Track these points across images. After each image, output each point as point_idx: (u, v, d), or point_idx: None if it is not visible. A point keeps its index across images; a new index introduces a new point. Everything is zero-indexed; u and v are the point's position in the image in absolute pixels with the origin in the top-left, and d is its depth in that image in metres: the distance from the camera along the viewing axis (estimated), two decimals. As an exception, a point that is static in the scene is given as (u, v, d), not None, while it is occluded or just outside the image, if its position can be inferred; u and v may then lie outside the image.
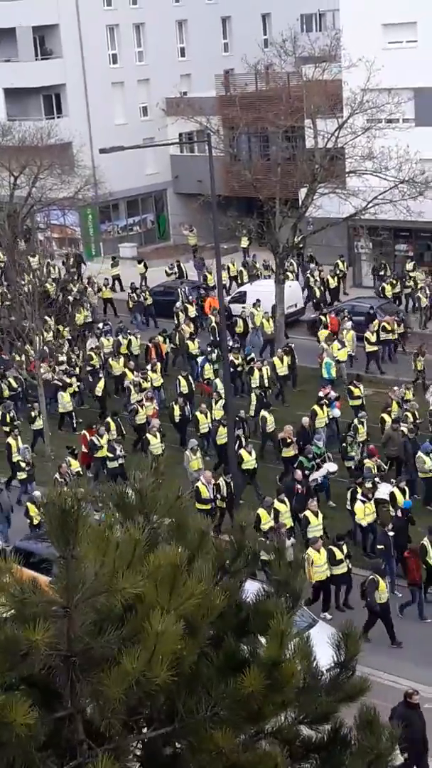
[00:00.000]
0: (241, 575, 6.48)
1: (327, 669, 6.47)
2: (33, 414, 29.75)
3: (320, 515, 22.58)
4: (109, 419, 28.91)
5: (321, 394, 28.95)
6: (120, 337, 36.14)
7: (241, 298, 39.49)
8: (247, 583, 6.56)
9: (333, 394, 29.14)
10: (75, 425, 31.50)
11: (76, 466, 26.04)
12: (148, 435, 28.15)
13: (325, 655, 6.54)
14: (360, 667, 6.55)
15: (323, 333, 34.34)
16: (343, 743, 6.22)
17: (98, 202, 49.59)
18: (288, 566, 6.57)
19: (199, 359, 33.55)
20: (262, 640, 5.93)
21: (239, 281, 42.86)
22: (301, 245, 39.77)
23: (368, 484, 22.90)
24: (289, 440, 26.46)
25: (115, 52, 53.60)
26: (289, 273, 39.33)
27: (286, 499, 23.04)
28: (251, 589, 6.53)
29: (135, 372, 32.70)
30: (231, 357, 32.62)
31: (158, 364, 33.17)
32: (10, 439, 27.79)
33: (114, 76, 53.02)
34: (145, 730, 5.98)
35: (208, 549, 6.17)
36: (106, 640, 5.34)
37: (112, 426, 28.52)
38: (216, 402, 28.98)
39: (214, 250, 26.93)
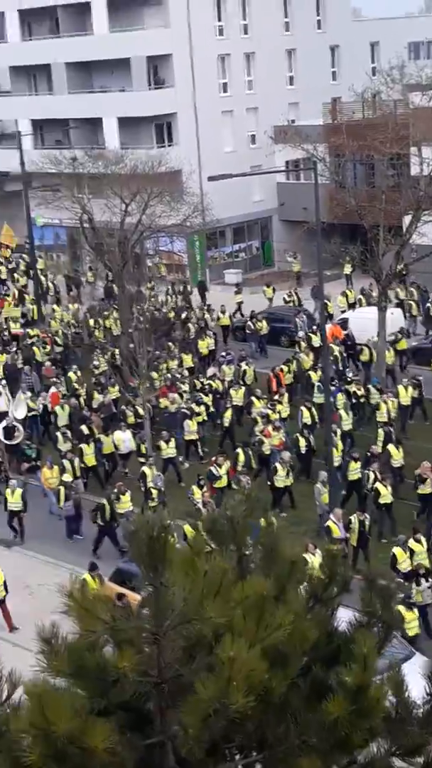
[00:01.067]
0: (333, 604, 6.45)
1: (422, 701, 6.39)
2: (162, 441, 29.61)
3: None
4: (239, 450, 28.49)
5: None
6: (243, 365, 35.71)
7: (343, 325, 39.31)
8: (340, 611, 6.53)
9: None
10: (202, 454, 31.32)
11: (198, 495, 25.73)
12: (277, 464, 27.53)
13: (422, 688, 6.45)
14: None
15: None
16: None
17: (205, 229, 50.03)
18: (380, 597, 6.51)
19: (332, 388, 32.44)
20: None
21: (357, 308, 42.46)
22: (404, 272, 39.46)
23: None
24: (425, 476, 25.55)
25: (225, 81, 54.17)
26: (395, 299, 39.07)
27: (422, 539, 22.09)
28: (344, 617, 6.49)
29: (261, 401, 31.93)
30: (353, 388, 32.24)
31: (286, 394, 32.62)
32: (145, 468, 27.71)
33: (224, 104, 53.56)
34: (237, 758, 6.00)
35: (300, 578, 6.16)
36: (195, 668, 5.37)
37: (241, 457, 28.10)
38: (336, 434, 28.31)
39: (318, 277, 26.92)
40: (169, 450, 29.59)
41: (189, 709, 5.01)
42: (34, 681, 4.83)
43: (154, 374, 34.56)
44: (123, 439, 30.44)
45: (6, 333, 42.38)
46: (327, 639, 6.25)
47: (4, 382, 35.25)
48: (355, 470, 26.70)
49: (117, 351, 34.17)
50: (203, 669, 5.14)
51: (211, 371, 35.62)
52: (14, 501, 27.09)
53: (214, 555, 5.54)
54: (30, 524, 27.89)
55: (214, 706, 4.90)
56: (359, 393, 32.11)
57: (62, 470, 28.55)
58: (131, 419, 31.78)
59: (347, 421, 30.23)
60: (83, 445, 29.97)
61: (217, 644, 5.35)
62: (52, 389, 34.42)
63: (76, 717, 4.77)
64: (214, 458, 27.98)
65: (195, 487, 26.01)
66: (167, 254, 51.05)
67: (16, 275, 52.80)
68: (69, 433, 31.18)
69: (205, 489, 26.02)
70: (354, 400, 31.93)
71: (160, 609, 5.16)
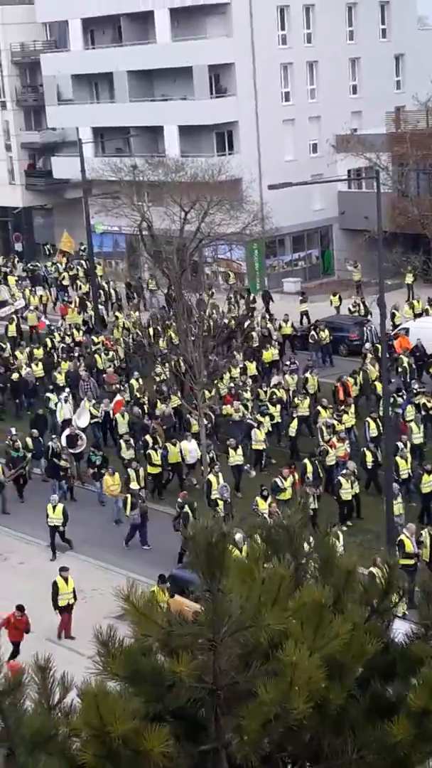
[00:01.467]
0: (390, 615, 6.36)
1: None
2: (230, 449, 29.43)
3: None
4: (306, 461, 27.97)
5: None
6: (308, 375, 35.25)
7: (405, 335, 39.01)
8: (396, 622, 6.43)
9: None
10: (264, 464, 30.99)
11: (263, 506, 25.35)
12: (340, 478, 27.09)
13: None
14: None
15: None
16: None
17: (265, 238, 50.02)
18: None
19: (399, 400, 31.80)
20: (414, 682, 5.79)
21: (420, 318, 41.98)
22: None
23: None
24: None
25: (287, 90, 54.17)
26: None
27: None
28: (400, 629, 6.40)
29: (327, 411, 31.49)
30: (423, 400, 31.53)
31: (353, 404, 32.23)
32: (211, 476, 27.43)
33: (286, 113, 53.56)
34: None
35: (355, 588, 6.09)
36: (252, 675, 5.33)
37: (309, 468, 27.52)
38: (406, 446, 27.85)
39: (379, 286, 26.76)
40: (236, 458, 29.39)
41: (249, 714, 4.96)
42: (90, 682, 4.82)
43: (218, 382, 34.48)
44: (190, 449, 30.14)
45: (70, 340, 42.50)
46: (383, 650, 6.17)
47: (68, 390, 35.37)
48: (428, 483, 26.25)
49: (178, 359, 33.98)
50: (259, 676, 5.09)
51: (275, 380, 35.22)
52: (55, 516, 26.69)
53: (272, 563, 5.48)
54: (84, 529, 28.01)
55: (275, 710, 4.85)
56: (429, 405, 31.48)
57: (126, 478, 28.43)
58: (195, 428, 31.42)
59: (418, 435, 29.70)
60: (151, 452, 29.80)
61: (274, 652, 5.29)
62: (118, 396, 34.34)
63: (132, 720, 4.75)
64: (281, 469, 27.60)
65: (259, 498, 25.66)
66: (226, 262, 51.14)
67: (78, 282, 53.15)
68: (131, 441, 31.03)
69: (270, 500, 25.63)
70: (424, 413, 31.29)
71: (217, 615, 5.12)
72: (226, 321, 40.84)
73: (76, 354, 39.82)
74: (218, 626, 5.18)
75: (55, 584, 22.49)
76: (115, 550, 26.95)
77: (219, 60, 51.82)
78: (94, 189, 51.04)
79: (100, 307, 46.75)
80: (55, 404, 34.59)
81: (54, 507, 26.68)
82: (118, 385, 35.96)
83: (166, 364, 36.19)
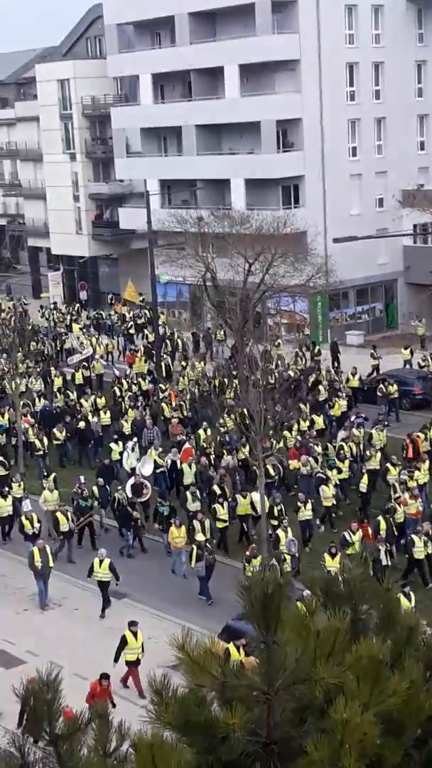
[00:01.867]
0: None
1: None
2: (300, 503, 29.02)
3: None
4: (380, 518, 27.33)
5: None
6: (374, 430, 34.70)
7: None
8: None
9: None
10: (334, 521, 30.47)
11: (330, 563, 24.79)
12: (413, 536, 26.50)
13: None
14: None
15: None
16: None
17: (328, 290, 50.12)
18: None
19: None
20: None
21: None
22: None
23: None
24: None
25: (355, 145, 54.53)
26: None
27: None
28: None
29: (396, 467, 30.93)
30: None
31: (427, 461, 31.43)
32: (279, 531, 26.98)
33: (353, 168, 53.89)
34: None
35: (417, 645, 6.00)
36: (306, 730, 5.26)
37: (382, 525, 26.88)
38: None
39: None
40: (306, 513, 28.93)
41: (301, 771, 4.89)
42: (145, 732, 4.80)
43: (286, 434, 34.28)
44: (259, 499, 29.35)
45: (136, 389, 42.64)
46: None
47: (135, 439, 35.32)
48: None
49: (242, 410, 33.82)
50: (314, 732, 5.03)
51: (341, 435, 34.74)
52: (102, 571, 26.04)
53: (328, 616, 5.43)
54: (142, 577, 28.01)
55: (325, 768, 4.78)
56: None
57: (191, 530, 28.09)
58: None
59: None
60: (217, 506, 29.46)
61: (329, 707, 5.23)
62: (186, 445, 34.25)
63: (185, 771, 4.72)
64: (350, 524, 27.27)
65: (327, 555, 25.23)
66: (289, 314, 51.27)
67: (145, 331, 53.44)
68: (198, 492, 30.80)
69: (337, 557, 25.15)
70: None
71: (272, 668, 5.07)
72: (291, 373, 40.73)
73: (141, 403, 39.93)
74: (273, 679, 5.13)
75: (123, 638, 22.06)
76: (171, 600, 26.85)
77: (287, 115, 52.38)
78: (159, 240, 51.66)
79: (165, 356, 46.99)
80: (120, 453, 34.58)
81: (101, 561, 26.11)
82: (183, 436, 35.87)
83: (232, 416, 36.06)
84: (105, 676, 20.27)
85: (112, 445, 35.38)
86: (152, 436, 36.13)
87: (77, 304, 63.68)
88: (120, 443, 35.28)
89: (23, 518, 29.02)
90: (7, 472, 34.15)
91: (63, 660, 21.98)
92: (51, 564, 26.52)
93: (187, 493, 30.81)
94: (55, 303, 64.29)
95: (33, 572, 26.76)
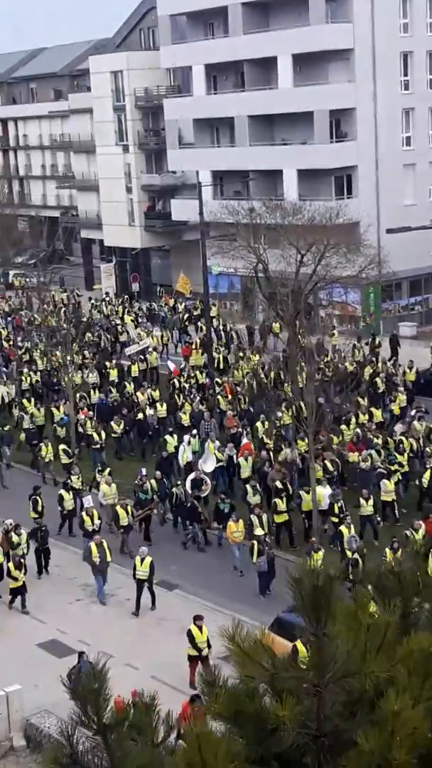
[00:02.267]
0: None
1: None
2: (361, 499, 28.63)
3: None
4: None
5: None
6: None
7: None
8: None
9: None
10: (398, 516, 30.11)
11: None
12: None
13: None
14: None
15: None
16: None
17: (381, 281, 49.77)
18: None
19: None
20: None
21: None
22: None
23: None
24: None
25: (409, 135, 54.04)
26: None
27: None
28: None
29: None
30: None
31: None
32: (342, 527, 26.75)
33: (406, 158, 53.43)
34: None
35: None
36: (356, 723, 5.23)
37: None
38: None
39: None
40: (367, 508, 28.60)
41: (350, 763, 4.87)
42: (193, 722, 4.81)
43: (343, 428, 33.97)
44: (324, 494, 29.18)
45: (193, 381, 42.34)
46: None
47: (194, 431, 35.19)
48: None
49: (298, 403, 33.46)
50: (364, 724, 5.00)
51: (399, 428, 34.19)
52: (143, 569, 25.85)
53: (379, 608, 5.40)
54: (193, 569, 28.08)
55: (376, 760, 4.75)
56: None
57: (250, 525, 27.83)
58: (319, 474, 30.69)
59: None
60: (277, 500, 29.11)
61: (379, 700, 5.19)
62: (244, 439, 33.93)
63: (233, 762, 4.71)
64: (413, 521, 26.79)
65: (388, 550, 24.87)
66: (341, 305, 50.99)
67: (200, 324, 53.16)
68: (258, 486, 30.47)
69: (399, 552, 24.61)
70: None
71: (322, 660, 5.05)
72: (347, 365, 40.28)
73: (198, 396, 39.64)
74: (323, 671, 5.11)
75: (189, 632, 21.98)
76: (222, 592, 26.86)
77: (340, 105, 52.06)
78: (211, 231, 51.61)
79: (219, 348, 46.84)
80: (175, 447, 34.42)
81: (142, 560, 25.91)
82: (239, 429, 35.55)
83: (288, 409, 35.67)
84: (196, 698, 19.65)
85: (168, 437, 35.30)
86: (209, 428, 35.91)
87: (125, 296, 63.75)
88: (175, 436, 35.19)
89: (84, 514, 28.87)
90: (70, 460, 34.33)
91: (114, 650, 22.20)
92: (109, 559, 26.44)
93: (247, 486, 30.57)
94: (107, 294, 64.65)
95: (91, 567, 26.74)
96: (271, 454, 32.61)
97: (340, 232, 44.97)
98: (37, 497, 30.38)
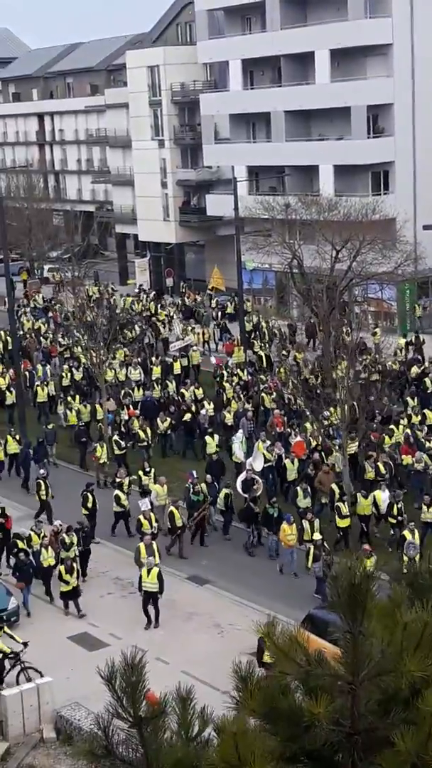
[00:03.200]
0: None
1: None
2: (424, 505, 28.09)
3: None
4: None
5: None
6: None
7: None
8: None
9: None
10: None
11: None
12: None
13: None
14: None
15: None
16: None
17: (417, 278, 49.48)
18: None
19: None
20: None
21: None
22: None
23: None
24: None
25: (446, 131, 53.67)
26: None
27: None
28: None
29: None
30: None
31: None
32: (406, 532, 26.05)
33: (443, 154, 53.06)
34: None
35: None
36: (391, 721, 5.20)
37: None
38: None
39: None
40: (428, 514, 27.72)
41: (386, 762, 4.84)
42: (229, 718, 4.80)
43: (393, 429, 33.39)
44: (384, 498, 28.33)
45: (237, 379, 41.02)
46: None
47: (241, 431, 34.23)
48: None
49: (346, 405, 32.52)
50: (399, 724, 4.97)
51: None
52: (150, 581, 24.73)
53: (416, 608, 5.35)
54: (226, 564, 28.08)
55: (412, 759, 4.72)
56: None
57: (301, 530, 27.28)
58: (370, 475, 30.12)
59: None
60: (340, 504, 28.00)
61: (414, 699, 5.16)
62: (297, 438, 33.10)
63: (268, 759, 4.70)
64: None
65: None
66: (376, 302, 50.76)
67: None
68: (309, 489, 29.63)
69: None
70: None
71: (358, 658, 5.03)
72: (391, 364, 39.66)
73: (243, 394, 38.58)
74: (358, 669, 5.09)
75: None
76: (254, 587, 26.80)
77: (378, 100, 51.79)
78: (246, 226, 51.54)
79: (256, 342, 46.29)
80: (216, 446, 33.72)
81: (149, 571, 24.71)
82: (286, 429, 34.77)
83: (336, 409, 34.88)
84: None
85: (207, 438, 34.51)
86: (251, 427, 35.14)
87: (154, 292, 63.32)
88: (215, 436, 34.44)
89: (141, 517, 28.39)
90: (123, 451, 34.15)
91: (145, 644, 22.23)
92: (157, 561, 25.61)
93: (298, 489, 29.67)
94: (141, 287, 64.50)
95: (138, 568, 25.83)
96: (322, 455, 31.72)
97: (376, 228, 44.77)
98: (89, 493, 29.93)
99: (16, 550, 26.58)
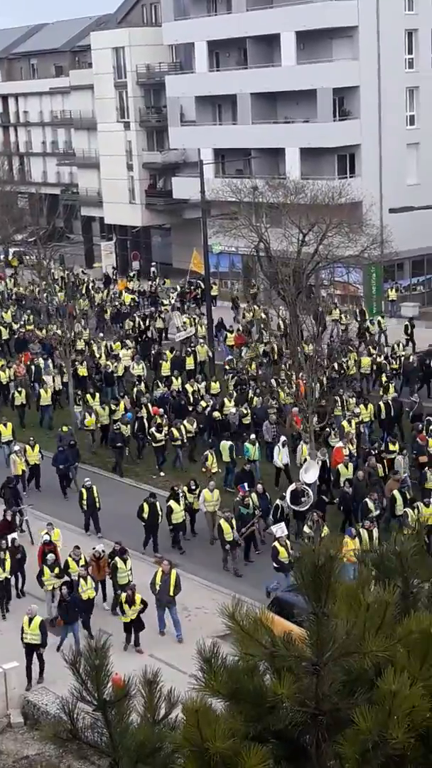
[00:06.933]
0: None
1: None
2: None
3: None
4: None
5: None
6: None
7: None
8: None
9: None
10: None
11: None
12: None
13: None
14: None
15: None
16: None
17: (383, 261, 49.64)
18: None
19: None
20: None
21: None
22: None
23: None
24: None
25: (413, 114, 53.82)
26: None
27: None
28: None
29: None
30: None
31: None
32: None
33: (410, 137, 53.22)
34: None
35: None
36: (354, 702, 5.24)
37: None
38: None
39: None
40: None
41: (347, 741, 4.88)
42: (193, 699, 4.82)
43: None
44: None
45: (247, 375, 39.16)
46: None
47: (283, 438, 31.97)
48: None
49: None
50: (363, 703, 5.01)
51: None
52: (31, 631, 21.81)
53: (378, 588, 5.39)
54: (191, 548, 28.10)
55: (373, 738, 4.76)
56: None
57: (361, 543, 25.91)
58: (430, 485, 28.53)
59: None
60: (408, 510, 25.79)
61: (378, 680, 5.20)
62: (339, 443, 30.53)
63: (232, 738, 4.73)
64: None
65: None
66: (342, 285, 50.86)
67: (242, 309, 51.39)
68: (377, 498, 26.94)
69: None
70: None
71: (322, 639, 5.05)
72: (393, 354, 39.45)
73: (255, 390, 36.37)
74: (322, 650, 5.11)
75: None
76: (221, 570, 26.90)
77: (344, 83, 51.79)
78: (212, 209, 51.42)
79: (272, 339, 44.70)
80: (257, 455, 31.39)
81: (30, 620, 21.73)
82: (328, 429, 32.19)
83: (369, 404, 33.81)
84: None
85: (247, 444, 31.63)
86: (275, 432, 32.63)
87: (114, 276, 62.44)
88: (257, 444, 31.75)
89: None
90: (160, 443, 32.63)
91: (112, 628, 22.24)
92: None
93: (367, 500, 26.77)
94: (110, 272, 64.13)
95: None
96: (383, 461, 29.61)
97: (343, 212, 44.81)
98: (145, 503, 27.47)
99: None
